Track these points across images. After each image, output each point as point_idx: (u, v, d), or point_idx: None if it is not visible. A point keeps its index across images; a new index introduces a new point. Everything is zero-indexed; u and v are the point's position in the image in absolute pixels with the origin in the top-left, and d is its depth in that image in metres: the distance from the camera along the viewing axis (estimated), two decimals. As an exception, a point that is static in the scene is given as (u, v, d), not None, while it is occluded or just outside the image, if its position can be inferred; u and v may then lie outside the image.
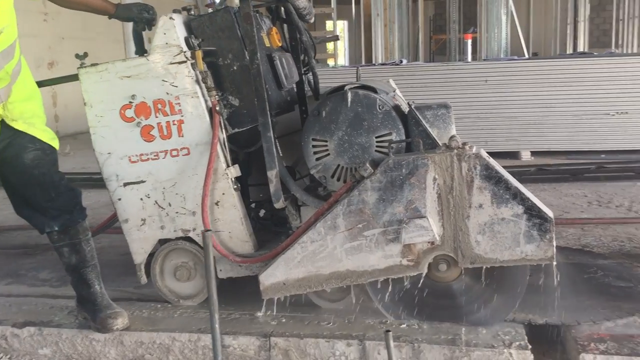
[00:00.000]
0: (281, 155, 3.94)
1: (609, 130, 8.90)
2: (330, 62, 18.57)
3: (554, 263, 3.21)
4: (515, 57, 10.47)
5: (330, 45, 18.95)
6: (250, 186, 4.20)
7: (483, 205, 3.22)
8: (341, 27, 24.40)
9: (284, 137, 4.10)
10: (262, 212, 4.36)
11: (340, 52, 24.49)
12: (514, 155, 9.12)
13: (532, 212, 3.18)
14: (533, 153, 9.15)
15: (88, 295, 3.68)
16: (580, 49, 20.24)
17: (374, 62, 13.17)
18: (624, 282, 4.05)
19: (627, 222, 5.56)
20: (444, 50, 24.92)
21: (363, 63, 14.48)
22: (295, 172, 4.15)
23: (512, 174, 7.81)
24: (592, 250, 4.78)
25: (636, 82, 8.72)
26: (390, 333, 2.80)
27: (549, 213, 3.20)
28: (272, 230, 4.13)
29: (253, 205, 4.28)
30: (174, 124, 3.59)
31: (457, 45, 21.80)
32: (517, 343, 3.15)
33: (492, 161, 3.26)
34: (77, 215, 3.64)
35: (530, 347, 3.12)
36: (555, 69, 9.00)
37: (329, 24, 18.24)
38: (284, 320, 3.55)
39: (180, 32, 3.53)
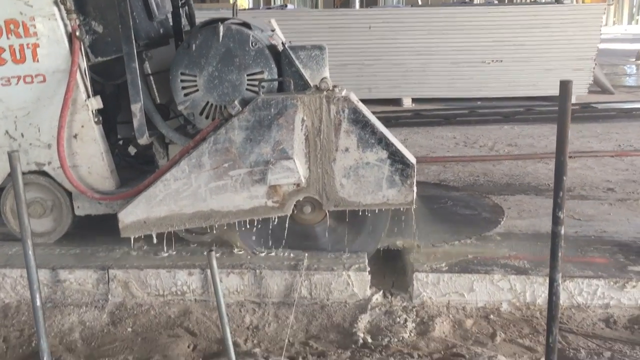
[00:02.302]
0: (156, 91, 3.75)
1: (484, 78, 9.29)
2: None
3: (414, 207, 3.33)
4: (400, 5, 10.57)
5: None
6: (119, 123, 3.98)
7: (349, 148, 3.24)
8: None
9: (162, 74, 3.89)
10: (133, 151, 4.17)
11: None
12: (396, 102, 9.35)
13: (395, 157, 3.24)
14: (414, 100, 9.41)
15: None
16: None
17: (272, 5, 12.88)
18: (470, 210, 4.30)
19: (486, 159, 5.90)
20: (347, 4, 24.85)
21: (261, 6, 14.11)
22: (169, 111, 3.97)
23: (390, 118, 8.01)
24: (448, 184, 5.05)
25: (511, 32, 9.09)
26: (213, 252, 2.75)
27: (411, 159, 3.28)
28: (138, 168, 3.96)
29: (121, 142, 4.08)
30: (28, 48, 3.29)
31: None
32: (357, 266, 3.28)
33: (361, 105, 3.27)
34: None
35: (368, 269, 3.27)
36: (436, 17, 9.20)
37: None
38: (126, 253, 3.48)
39: (36, -55, 3.21)
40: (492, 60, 9.19)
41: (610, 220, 4.03)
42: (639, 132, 6.94)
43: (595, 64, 9.22)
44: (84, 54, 3.36)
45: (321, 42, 3.62)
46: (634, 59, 15.61)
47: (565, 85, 2.22)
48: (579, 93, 9.13)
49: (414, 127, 7.60)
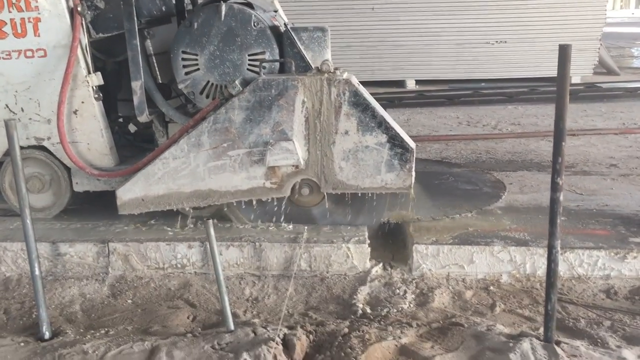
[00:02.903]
0: (157, 70, 3.74)
1: (489, 58, 9.23)
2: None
3: (411, 193, 3.35)
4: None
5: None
6: (120, 101, 3.98)
7: (349, 131, 3.25)
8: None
9: (166, 54, 3.88)
10: (133, 129, 4.18)
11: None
12: (400, 84, 9.32)
13: (394, 141, 3.25)
14: (418, 82, 9.36)
15: None
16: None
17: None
18: (470, 185, 4.33)
19: (488, 137, 5.94)
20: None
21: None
22: (171, 91, 3.97)
23: (393, 99, 8.01)
24: (450, 161, 5.09)
25: (515, 12, 8.99)
26: (211, 221, 2.76)
27: (411, 144, 3.30)
28: (138, 146, 3.97)
29: (121, 119, 4.08)
30: (29, 22, 3.29)
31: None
32: (356, 238, 3.32)
33: (362, 88, 3.28)
34: None
35: (368, 241, 3.31)
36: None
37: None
38: (126, 227, 3.52)
39: None
40: (497, 41, 9.13)
41: (613, 195, 4.08)
42: (645, 111, 6.94)
43: (601, 45, 9.15)
44: (85, 30, 3.35)
45: (324, 23, 3.60)
46: (640, 42, 15.54)
47: (564, 50, 2.21)
48: (584, 73, 9.10)
49: (417, 107, 7.63)
